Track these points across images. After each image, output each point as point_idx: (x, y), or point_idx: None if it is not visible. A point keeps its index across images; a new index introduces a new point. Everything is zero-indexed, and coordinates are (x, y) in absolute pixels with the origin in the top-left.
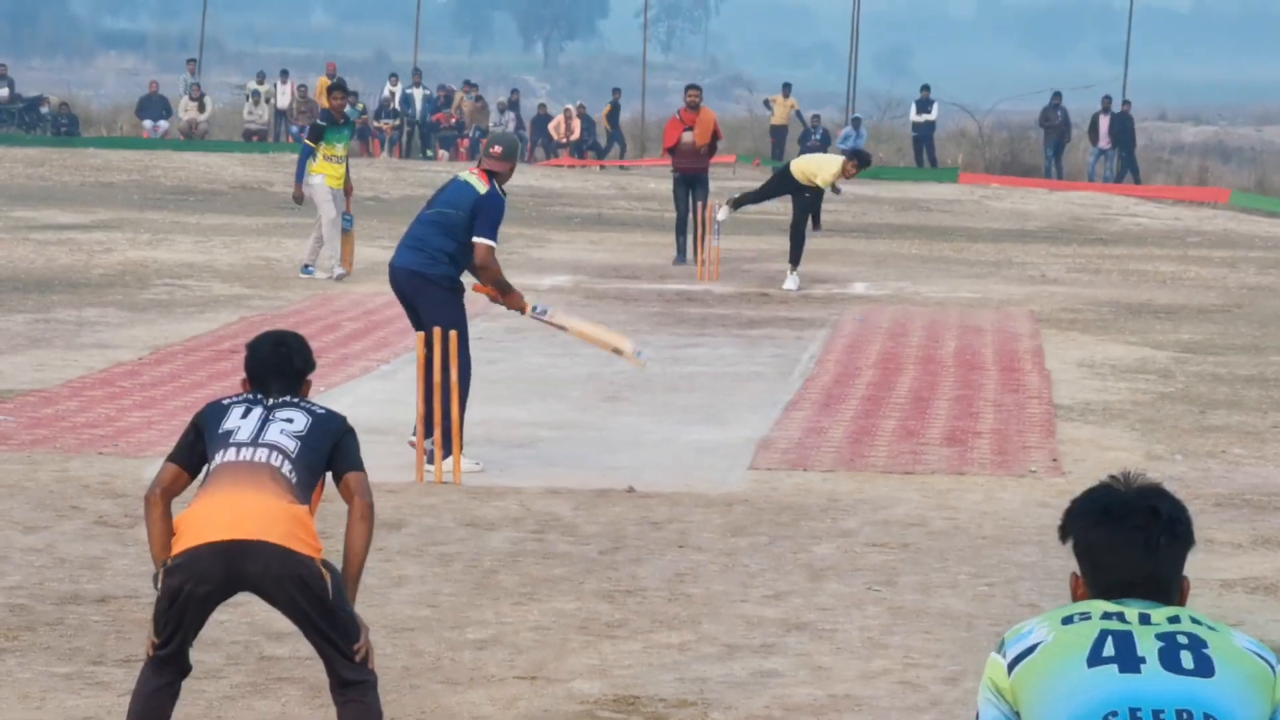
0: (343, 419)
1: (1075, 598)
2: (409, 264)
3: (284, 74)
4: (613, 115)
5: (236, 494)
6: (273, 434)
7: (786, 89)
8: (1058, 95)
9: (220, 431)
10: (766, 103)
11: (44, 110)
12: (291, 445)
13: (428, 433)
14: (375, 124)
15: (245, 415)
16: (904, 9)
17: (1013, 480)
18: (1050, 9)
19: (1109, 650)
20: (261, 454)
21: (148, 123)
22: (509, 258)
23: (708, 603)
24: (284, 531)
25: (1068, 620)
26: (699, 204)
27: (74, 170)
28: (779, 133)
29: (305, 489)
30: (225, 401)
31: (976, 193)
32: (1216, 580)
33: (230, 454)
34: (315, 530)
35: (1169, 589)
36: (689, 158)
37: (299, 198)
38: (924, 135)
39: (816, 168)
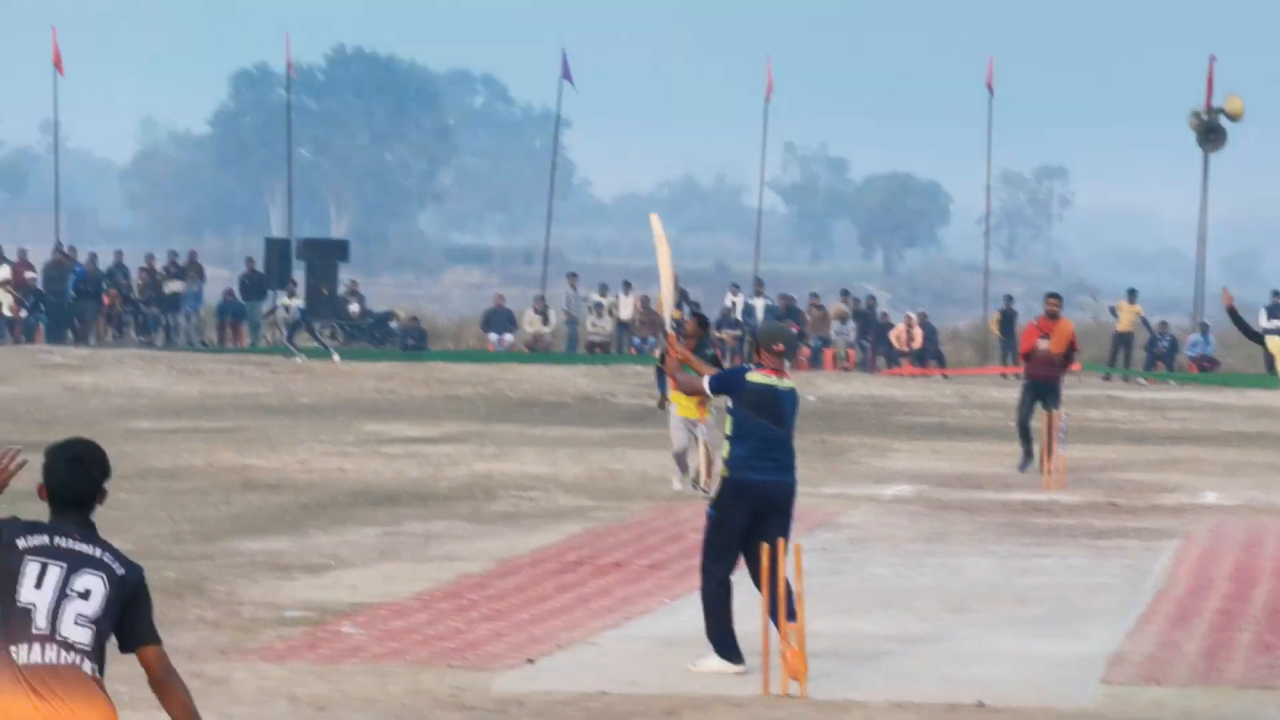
0: (138, 576)
1: None
2: (793, 483)
3: (626, 285)
4: (1004, 324)
5: (48, 705)
6: (67, 624)
7: (1132, 295)
8: None
9: (19, 604)
10: (1112, 309)
11: (393, 325)
12: (87, 638)
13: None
14: (717, 334)
15: (40, 582)
16: (1252, 214)
17: None
18: None
19: None
20: (64, 657)
21: (493, 335)
22: (850, 467)
23: None
24: None
25: None
26: (1049, 412)
27: (422, 384)
28: (1124, 339)
29: (102, 670)
30: (21, 545)
31: None
32: None
33: (35, 652)
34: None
35: None
36: (1043, 365)
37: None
38: None
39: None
